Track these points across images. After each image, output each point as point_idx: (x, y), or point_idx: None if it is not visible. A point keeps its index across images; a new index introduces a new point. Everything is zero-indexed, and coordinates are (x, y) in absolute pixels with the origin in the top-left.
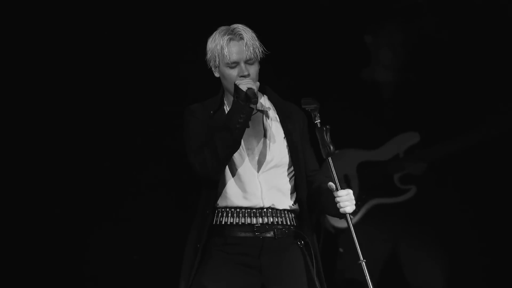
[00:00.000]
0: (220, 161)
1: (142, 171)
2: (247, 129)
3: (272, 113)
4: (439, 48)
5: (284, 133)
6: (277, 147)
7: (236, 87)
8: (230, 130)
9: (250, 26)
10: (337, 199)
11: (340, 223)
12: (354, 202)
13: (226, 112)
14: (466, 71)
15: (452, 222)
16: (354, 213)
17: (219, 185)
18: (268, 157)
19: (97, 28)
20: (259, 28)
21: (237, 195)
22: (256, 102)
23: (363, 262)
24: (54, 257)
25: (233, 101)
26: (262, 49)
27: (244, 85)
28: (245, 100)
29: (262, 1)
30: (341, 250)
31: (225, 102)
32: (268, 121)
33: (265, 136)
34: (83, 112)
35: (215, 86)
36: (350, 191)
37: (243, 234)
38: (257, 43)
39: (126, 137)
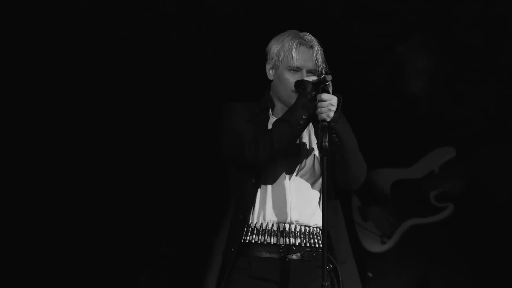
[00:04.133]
0: (274, 152)
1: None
2: None
3: None
4: (470, 55)
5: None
6: (311, 156)
7: (300, 80)
8: (291, 125)
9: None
10: (318, 103)
11: (374, 248)
12: (332, 109)
13: (271, 117)
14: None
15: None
16: (389, 236)
17: (248, 195)
18: (301, 164)
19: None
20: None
21: (266, 202)
22: (329, 83)
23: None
24: (55, 257)
25: (299, 94)
26: (326, 67)
27: (309, 77)
28: (311, 93)
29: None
30: (370, 275)
31: (270, 106)
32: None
33: (299, 145)
34: (95, 114)
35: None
36: (334, 98)
37: (267, 255)
38: (323, 57)
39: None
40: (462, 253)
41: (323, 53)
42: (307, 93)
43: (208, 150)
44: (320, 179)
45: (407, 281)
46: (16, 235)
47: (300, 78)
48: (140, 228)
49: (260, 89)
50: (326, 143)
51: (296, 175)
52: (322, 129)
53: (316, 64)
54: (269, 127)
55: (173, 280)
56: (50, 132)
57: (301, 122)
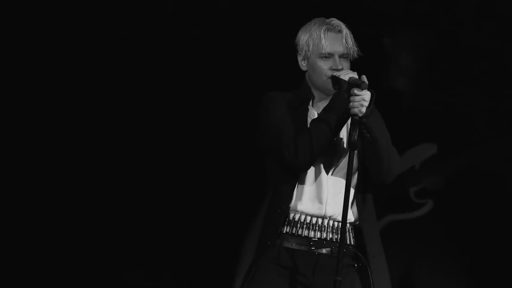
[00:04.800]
0: (314, 154)
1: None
2: None
3: None
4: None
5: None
6: (347, 149)
7: (336, 78)
8: (329, 125)
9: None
10: (351, 98)
11: None
12: (365, 104)
13: (310, 109)
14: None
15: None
16: None
17: (285, 188)
18: (339, 160)
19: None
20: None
21: (302, 195)
22: (366, 86)
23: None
24: (54, 257)
25: (335, 92)
26: (357, 49)
27: (345, 75)
28: (348, 91)
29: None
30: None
31: (310, 97)
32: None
33: (338, 138)
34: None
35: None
36: (367, 93)
37: (297, 247)
38: (353, 40)
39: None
40: (444, 247)
41: (352, 36)
42: (343, 92)
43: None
44: (357, 175)
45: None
46: (15, 235)
47: (333, 64)
48: (140, 228)
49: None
50: (355, 138)
51: (334, 170)
52: (353, 123)
53: (347, 47)
54: (309, 120)
55: (172, 280)
56: (49, 131)
57: (338, 122)
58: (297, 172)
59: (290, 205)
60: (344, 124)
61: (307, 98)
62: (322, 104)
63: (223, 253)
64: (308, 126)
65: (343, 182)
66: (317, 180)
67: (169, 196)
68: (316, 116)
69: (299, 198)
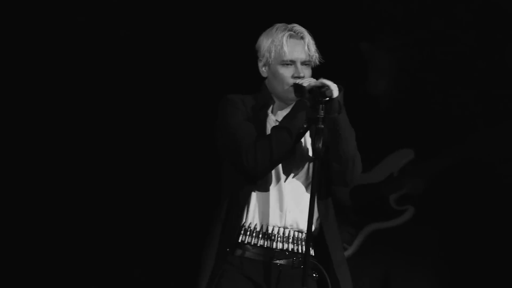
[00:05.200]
0: (273, 162)
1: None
2: None
3: None
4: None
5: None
6: (305, 156)
7: (298, 85)
8: (291, 134)
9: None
10: (321, 83)
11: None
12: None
13: (270, 115)
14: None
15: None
16: (349, 243)
17: (242, 194)
18: (298, 168)
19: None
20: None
21: (260, 203)
22: (330, 93)
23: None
24: (54, 257)
25: (298, 100)
26: (319, 56)
27: (307, 82)
28: (310, 99)
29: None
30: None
31: (270, 103)
32: None
33: (296, 145)
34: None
35: None
36: (335, 89)
37: (257, 257)
38: (315, 47)
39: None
40: (424, 251)
41: (314, 42)
42: (305, 100)
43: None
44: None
45: (370, 282)
46: (13, 236)
47: (295, 71)
48: (139, 227)
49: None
50: (320, 146)
51: (292, 178)
52: (316, 132)
53: (309, 55)
54: (268, 126)
55: (172, 279)
56: (49, 131)
57: (300, 131)
58: (254, 179)
59: (247, 214)
60: (305, 133)
61: (267, 104)
62: (282, 111)
63: None
64: (268, 132)
65: (302, 189)
66: (276, 187)
67: (170, 197)
68: (275, 122)
69: (257, 206)
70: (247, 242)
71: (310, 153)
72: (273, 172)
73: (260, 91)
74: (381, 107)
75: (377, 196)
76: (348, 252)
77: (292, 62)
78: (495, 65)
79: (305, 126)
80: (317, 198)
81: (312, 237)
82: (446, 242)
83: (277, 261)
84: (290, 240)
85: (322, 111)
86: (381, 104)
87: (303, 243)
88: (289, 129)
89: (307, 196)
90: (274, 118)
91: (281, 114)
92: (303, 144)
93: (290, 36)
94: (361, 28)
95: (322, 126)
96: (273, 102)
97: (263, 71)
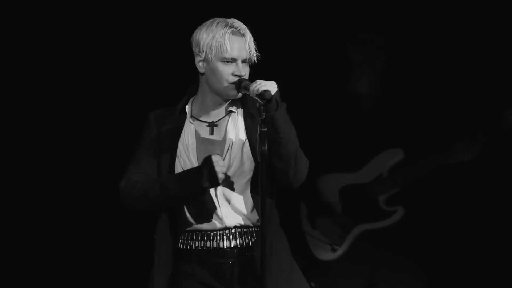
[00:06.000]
0: (148, 211)
1: None
2: (204, 138)
3: (236, 115)
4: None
5: (246, 136)
6: (237, 154)
7: (260, 93)
8: (177, 200)
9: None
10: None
11: (326, 256)
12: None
13: (189, 120)
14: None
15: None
16: (339, 243)
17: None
18: (227, 169)
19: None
20: None
21: (196, 215)
22: (269, 95)
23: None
24: (54, 257)
25: (189, 171)
26: (258, 53)
27: (269, 86)
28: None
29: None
30: (313, 284)
31: (192, 103)
32: (230, 125)
33: (224, 144)
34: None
35: None
36: (274, 87)
37: (213, 260)
38: (254, 45)
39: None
40: (413, 252)
41: (253, 39)
42: (269, 104)
43: None
44: (250, 177)
45: (359, 282)
46: (13, 235)
47: (236, 69)
48: (139, 227)
49: None
50: (265, 148)
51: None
52: (260, 135)
53: (249, 53)
54: (186, 129)
55: None
56: (49, 130)
57: (186, 201)
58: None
59: (186, 221)
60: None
61: (186, 108)
62: (211, 109)
63: None
64: (185, 136)
65: (237, 186)
66: (206, 196)
67: None
68: (193, 130)
69: (194, 213)
70: (195, 246)
71: (243, 148)
72: None
73: (189, 90)
74: (368, 106)
75: (367, 197)
76: (338, 253)
77: (233, 60)
78: (493, 64)
79: (189, 199)
80: (254, 193)
81: (253, 230)
82: (435, 243)
83: (228, 260)
84: (238, 236)
85: (264, 113)
86: (369, 104)
87: (249, 235)
88: (176, 197)
89: (245, 192)
90: (193, 126)
91: (211, 111)
92: (233, 139)
93: (232, 33)
94: (347, 27)
95: (265, 128)
96: (199, 102)
97: (200, 66)
